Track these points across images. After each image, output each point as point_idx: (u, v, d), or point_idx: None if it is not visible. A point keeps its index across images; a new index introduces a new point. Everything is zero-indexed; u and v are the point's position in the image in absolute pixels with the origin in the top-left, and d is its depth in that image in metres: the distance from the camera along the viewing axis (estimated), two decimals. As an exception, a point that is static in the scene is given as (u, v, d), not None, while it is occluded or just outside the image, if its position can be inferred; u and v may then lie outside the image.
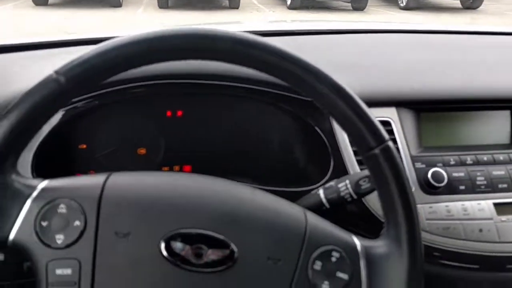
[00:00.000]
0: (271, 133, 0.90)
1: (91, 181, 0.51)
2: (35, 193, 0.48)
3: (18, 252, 0.47)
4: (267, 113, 0.88)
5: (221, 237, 0.49)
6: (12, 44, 0.95)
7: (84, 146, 0.85)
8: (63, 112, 0.75)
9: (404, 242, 0.50)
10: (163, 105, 0.87)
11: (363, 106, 0.51)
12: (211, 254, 0.48)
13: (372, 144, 0.50)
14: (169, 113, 0.88)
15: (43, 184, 0.49)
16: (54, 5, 8.06)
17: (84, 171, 0.84)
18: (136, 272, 0.47)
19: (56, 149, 0.82)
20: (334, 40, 1.07)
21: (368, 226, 0.55)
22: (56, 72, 0.47)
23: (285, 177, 0.87)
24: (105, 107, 0.83)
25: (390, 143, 0.51)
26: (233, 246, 0.49)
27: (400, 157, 0.76)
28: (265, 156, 0.90)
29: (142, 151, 0.87)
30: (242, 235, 0.50)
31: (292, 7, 9.25)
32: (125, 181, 0.52)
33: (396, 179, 0.50)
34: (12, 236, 0.46)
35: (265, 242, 0.50)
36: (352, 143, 0.51)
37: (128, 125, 0.86)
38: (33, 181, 0.49)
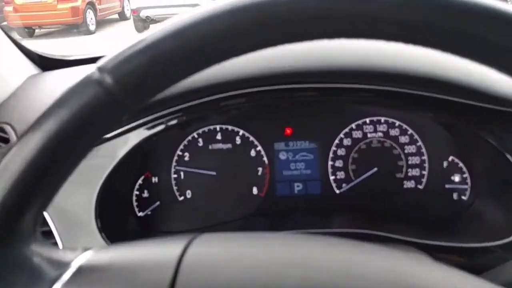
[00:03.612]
0: (420, 156, 0.64)
1: (156, 259, 0.29)
2: (66, 276, 0.28)
3: None
4: (411, 126, 0.63)
5: None
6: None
7: (167, 175, 0.66)
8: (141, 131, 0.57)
9: None
10: (266, 120, 0.66)
11: None
12: None
13: None
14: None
15: (80, 259, 0.29)
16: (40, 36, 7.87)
17: (166, 217, 0.64)
18: None
19: (125, 186, 0.64)
20: None
21: None
22: (99, 68, 0.27)
23: (449, 225, 0.61)
24: (192, 124, 0.64)
25: None
26: None
27: None
28: (415, 193, 0.64)
29: (242, 181, 0.66)
30: None
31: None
32: (203, 259, 0.30)
33: None
34: None
35: None
36: None
37: (221, 149, 0.66)
38: (65, 254, 0.30)
